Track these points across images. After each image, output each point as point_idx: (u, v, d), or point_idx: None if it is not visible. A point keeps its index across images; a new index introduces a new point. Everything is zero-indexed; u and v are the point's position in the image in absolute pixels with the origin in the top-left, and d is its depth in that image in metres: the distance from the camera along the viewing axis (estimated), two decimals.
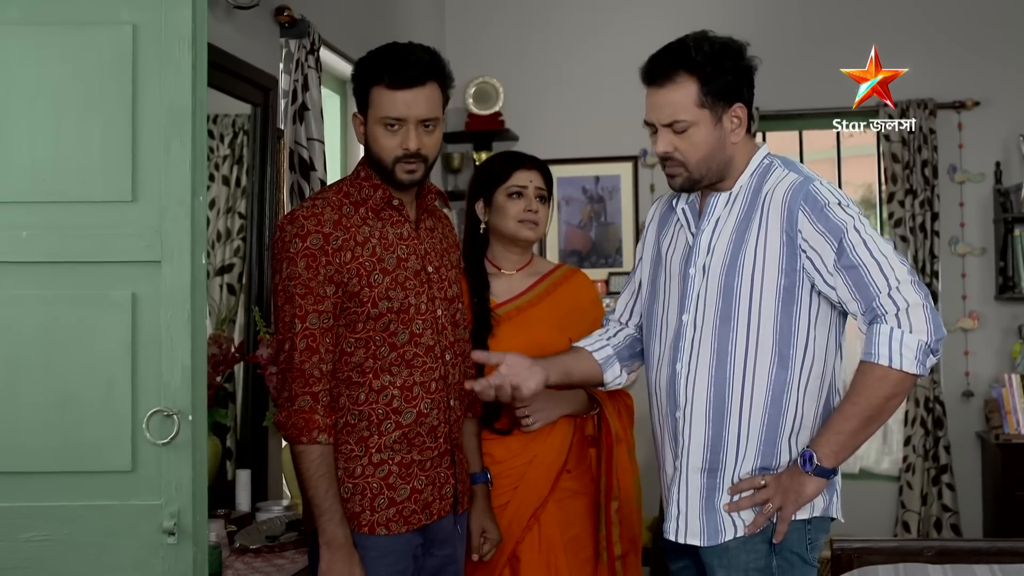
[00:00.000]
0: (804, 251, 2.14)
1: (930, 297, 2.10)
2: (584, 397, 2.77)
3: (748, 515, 2.18)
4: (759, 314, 2.17)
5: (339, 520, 2.23)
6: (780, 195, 2.17)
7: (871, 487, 5.51)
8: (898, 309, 2.07)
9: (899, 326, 2.07)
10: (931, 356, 2.08)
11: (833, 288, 2.14)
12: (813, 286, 2.16)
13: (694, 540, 2.22)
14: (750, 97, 2.24)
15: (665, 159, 2.24)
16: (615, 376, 2.52)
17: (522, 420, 2.69)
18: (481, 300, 2.77)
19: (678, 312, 2.27)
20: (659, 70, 2.19)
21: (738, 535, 2.18)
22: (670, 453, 2.28)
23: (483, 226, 2.84)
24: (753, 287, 2.17)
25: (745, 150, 2.26)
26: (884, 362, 2.07)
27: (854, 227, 2.12)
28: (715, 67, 2.16)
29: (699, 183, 2.25)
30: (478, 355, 2.48)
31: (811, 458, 2.13)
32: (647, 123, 2.25)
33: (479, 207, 2.83)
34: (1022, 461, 4.99)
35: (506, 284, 2.83)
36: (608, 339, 2.53)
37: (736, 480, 2.19)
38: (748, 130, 2.27)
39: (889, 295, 2.08)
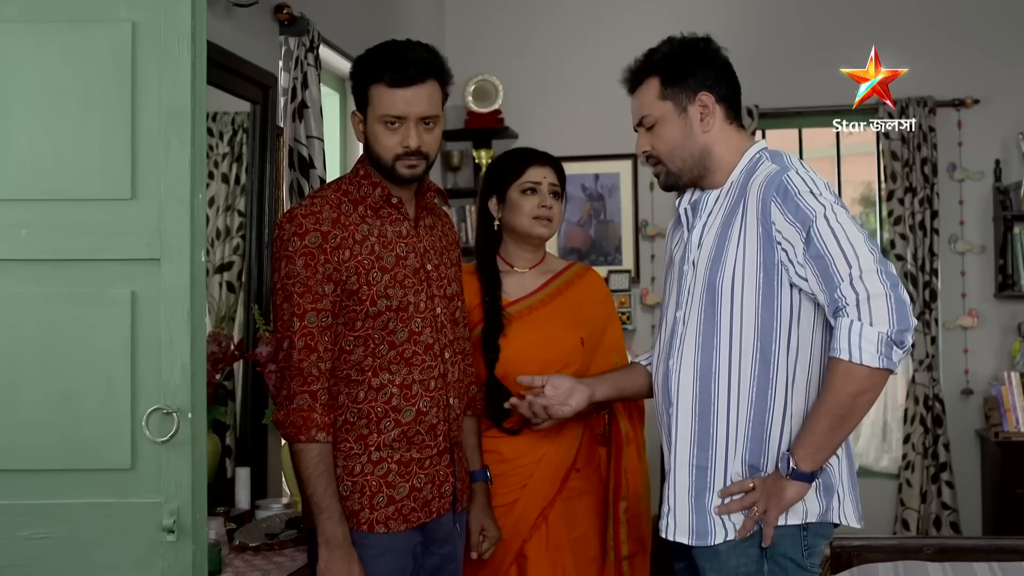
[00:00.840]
0: (779, 243, 2.12)
1: (899, 287, 2.04)
2: None
3: (738, 518, 2.17)
4: (740, 310, 2.16)
5: (338, 518, 2.23)
6: (756, 187, 2.16)
7: (870, 485, 5.50)
8: (858, 298, 2.02)
9: (859, 318, 2.01)
10: (895, 348, 2.01)
11: (805, 279, 2.11)
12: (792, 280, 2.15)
13: (682, 538, 2.21)
14: (726, 91, 2.26)
15: (648, 159, 2.32)
16: None
17: (532, 419, 2.70)
18: (493, 298, 2.77)
19: (674, 309, 2.28)
20: (630, 78, 2.32)
21: (728, 539, 2.17)
22: (666, 449, 2.28)
23: (496, 223, 2.83)
24: (735, 283, 2.16)
25: (732, 143, 2.26)
26: (845, 357, 2.02)
27: (824, 216, 2.09)
28: (673, 62, 2.25)
29: (680, 178, 2.28)
30: (524, 379, 2.53)
31: (788, 461, 2.11)
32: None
33: (492, 204, 2.83)
34: (1021, 459, 4.99)
35: (518, 282, 2.83)
36: None
37: (726, 480, 2.18)
38: (737, 122, 2.28)
39: (851, 284, 2.03)
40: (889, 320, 2.01)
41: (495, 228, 2.84)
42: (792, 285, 2.14)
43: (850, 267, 2.04)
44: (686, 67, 2.24)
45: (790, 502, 2.13)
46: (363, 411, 2.30)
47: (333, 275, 2.25)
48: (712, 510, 2.18)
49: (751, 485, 2.15)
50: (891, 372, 2.04)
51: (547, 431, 2.71)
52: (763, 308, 2.15)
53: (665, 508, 2.25)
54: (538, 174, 2.79)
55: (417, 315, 2.34)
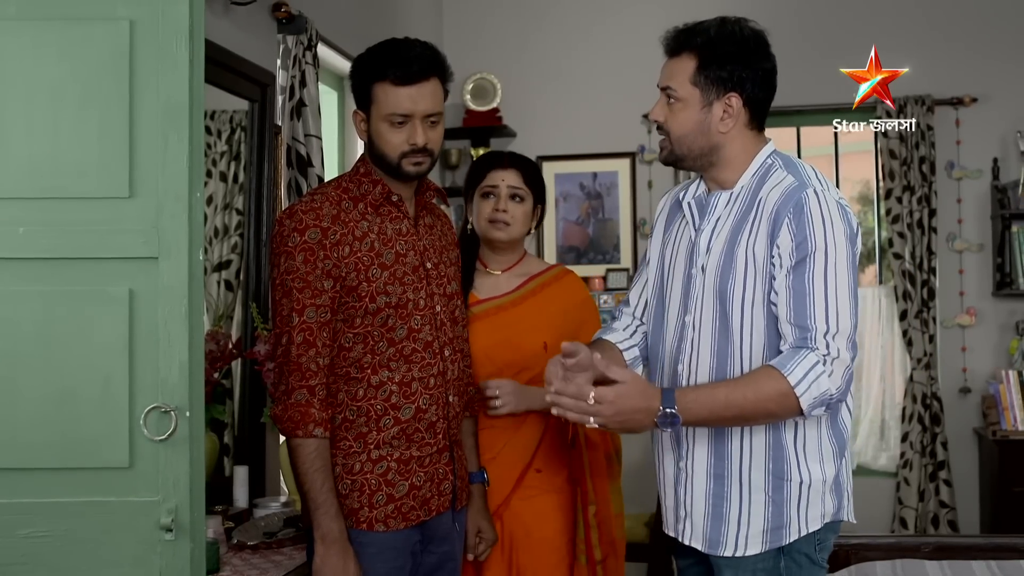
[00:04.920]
0: (774, 256, 2.10)
1: (855, 358, 2.08)
2: None
3: (755, 537, 2.15)
4: (751, 319, 2.14)
5: (334, 514, 2.24)
6: (774, 199, 2.13)
7: (868, 483, 5.51)
8: (827, 352, 2.04)
9: (823, 364, 2.04)
10: (822, 408, 2.05)
11: (775, 304, 2.10)
12: None
13: (697, 544, 2.21)
14: (759, 95, 2.20)
15: (658, 128, 2.27)
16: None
17: (489, 403, 2.67)
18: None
19: (681, 313, 2.25)
20: (671, 44, 2.24)
21: (736, 554, 2.16)
22: (671, 454, 2.26)
23: (469, 227, 2.84)
24: (745, 291, 2.14)
25: (746, 145, 2.22)
26: (792, 382, 2.02)
27: (824, 253, 2.07)
28: (715, 52, 2.17)
29: (682, 161, 2.25)
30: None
31: (673, 407, 2.05)
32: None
33: (468, 207, 2.85)
34: (1019, 457, 5.00)
35: (492, 283, 2.82)
36: (631, 336, 2.45)
37: (742, 489, 2.16)
38: (758, 126, 2.23)
39: (824, 337, 2.05)
40: (840, 387, 2.06)
41: (468, 231, 2.85)
42: None
43: (827, 324, 2.05)
44: (725, 62, 2.17)
45: (636, 431, 2.12)
46: (362, 409, 2.30)
47: (332, 271, 2.25)
48: (728, 520, 2.16)
49: (592, 401, 2.05)
50: (800, 415, 2.08)
51: (503, 430, 2.70)
52: (770, 318, 2.13)
53: (682, 512, 2.24)
54: (496, 177, 2.78)
55: (416, 312, 2.34)
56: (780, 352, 2.10)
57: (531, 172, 2.82)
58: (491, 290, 2.81)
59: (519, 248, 2.87)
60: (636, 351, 2.43)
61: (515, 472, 2.72)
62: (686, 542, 2.23)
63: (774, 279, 2.10)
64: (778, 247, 2.10)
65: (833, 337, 2.05)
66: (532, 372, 2.71)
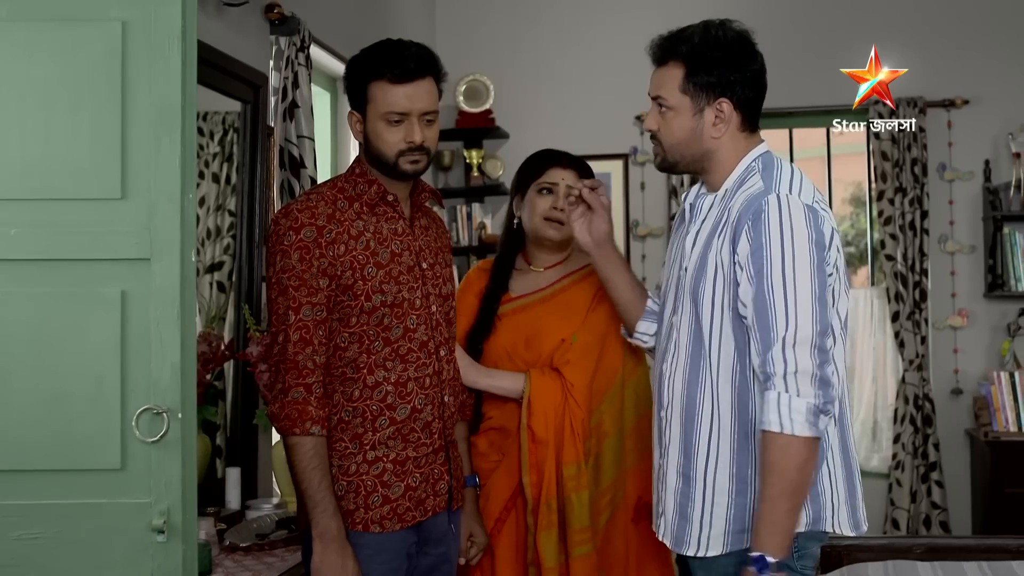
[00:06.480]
0: (736, 263, 2.09)
1: (827, 364, 2.03)
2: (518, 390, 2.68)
3: (716, 539, 2.14)
4: (720, 323, 2.13)
5: (332, 512, 2.23)
6: (738, 205, 2.12)
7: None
8: (785, 370, 2.00)
9: (786, 390, 2.01)
10: (822, 416, 2.01)
11: (744, 317, 2.09)
12: None
13: (667, 540, 2.23)
14: (749, 94, 2.19)
15: (652, 137, 2.28)
16: (646, 331, 2.49)
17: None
18: (491, 299, 2.74)
19: (670, 312, 2.27)
20: (657, 52, 2.24)
21: (700, 554, 2.16)
22: (657, 449, 2.29)
23: (516, 221, 2.79)
24: (714, 295, 2.13)
25: (736, 148, 2.21)
26: (777, 429, 2.00)
27: (782, 261, 2.03)
28: (702, 59, 2.17)
29: (675, 166, 2.27)
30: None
31: (764, 560, 2.01)
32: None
33: (516, 202, 2.80)
34: (1011, 458, 5.02)
35: (530, 280, 2.79)
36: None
37: (705, 490, 2.15)
38: (751, 127, 2.23)
39: (782, 350, 2.01)
40: (815, 393, 2.01)
41: (515, 226, 2.80)
42: None
43: (786, 329, 2.02)
44: (713, 68, 2.16)
45: None
46: (358, 409, 2.30)
47: (328, 269, 2.25)
48: (692, 519, 2.17)
49: None
50: (818, 439, 2.03)
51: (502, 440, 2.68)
52: (737, 324, 2.12)
53: (660, 508, 2.26)
54: (556, 175, 2.72)
55: (412, 312, 2.34)
56: (748, 357, 2.09)
57: (587, 175, 2.75)
58: (526, 287, 2.78)
59: (568, 247, 2.82)
60: (658, 308, 2.44)
61: (511, 488, 2.67)
62: (659, 537, 2.26)
63: (739, 286, 2.09)
64: (737, 254, 2.09)
65: (792, 347, 2.01)
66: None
